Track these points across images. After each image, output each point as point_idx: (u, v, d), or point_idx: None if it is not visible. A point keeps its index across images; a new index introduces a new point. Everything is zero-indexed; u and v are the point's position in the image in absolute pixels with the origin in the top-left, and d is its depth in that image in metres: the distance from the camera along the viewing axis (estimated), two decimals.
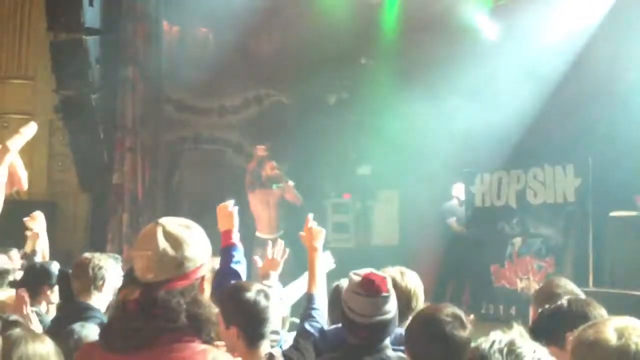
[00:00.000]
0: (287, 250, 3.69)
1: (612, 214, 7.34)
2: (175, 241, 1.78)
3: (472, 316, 8.27)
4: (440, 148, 9.29)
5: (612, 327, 1.57)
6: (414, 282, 3.11)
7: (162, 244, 1.77)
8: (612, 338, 1.54)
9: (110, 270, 3.74)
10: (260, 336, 2.69)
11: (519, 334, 1.57)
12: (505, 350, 1.47)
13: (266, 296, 2.71)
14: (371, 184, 11.14)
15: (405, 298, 2.98)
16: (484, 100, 8.80)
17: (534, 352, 1.49)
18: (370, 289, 2.56)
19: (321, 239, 3.39)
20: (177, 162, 10.26)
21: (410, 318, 2.72)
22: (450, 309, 2.49)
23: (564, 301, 2.52)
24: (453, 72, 9.13)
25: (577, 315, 2.41)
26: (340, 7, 9.64)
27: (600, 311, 2.46)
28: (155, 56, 9.77)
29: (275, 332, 2.90)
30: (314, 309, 3.10)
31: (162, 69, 9.86)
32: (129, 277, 1.97)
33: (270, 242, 3.84)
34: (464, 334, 2.36)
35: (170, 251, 1.78)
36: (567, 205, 8.16)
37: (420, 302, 3.08)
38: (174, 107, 10.31)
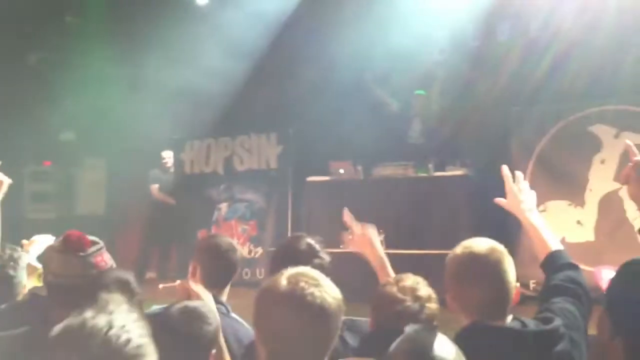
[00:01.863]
0: None
1: (309, 178, 7.93)
2: None
3: (161, 286, 8.34)
4: (149, 114, 9.11)
5: (285, 275, 1.71)
6: None
7: None
8: (283, 284, 1.68)
9: None
10: None
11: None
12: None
13: None
14: (75, 151, 10.55)
15: None
16: (193, 67, 8.79)
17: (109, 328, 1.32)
18: (68, 244, 2.27)
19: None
20: None
21: None
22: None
23: None
24: (163, 36, 8.98)
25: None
26: None
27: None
28: None
29: None
30: None
31: None
32: None
33: None
34: None
35: None
36: (270, 172, 8.63)
37: None
38: None
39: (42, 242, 3.17)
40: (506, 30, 7.87)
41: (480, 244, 2.14)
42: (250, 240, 8.61)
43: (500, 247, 2.14)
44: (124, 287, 2.25)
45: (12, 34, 9.55)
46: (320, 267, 2.59)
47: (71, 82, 9.92)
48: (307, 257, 2.69)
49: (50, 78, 10.12)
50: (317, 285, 1.68)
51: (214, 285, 2.82)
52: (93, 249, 2.30)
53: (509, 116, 7.30)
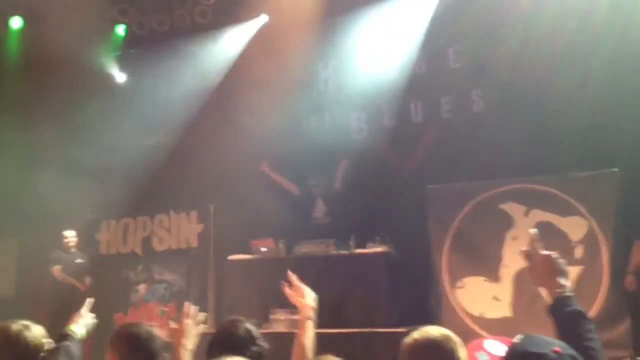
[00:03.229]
0: None
1: (230, 257, 7.85)
2: None
3: None
4: (63, 194, 8.87)
5: None
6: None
7: None
8: None
9: None
10: None
11: None
12: None
13: None
14: None
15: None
16: (110, 146, 8.72)
17: None
18: None
19: None
20: None
21: None
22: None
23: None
24: (79, 114, 8.89)
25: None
26: None
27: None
28: None
29: None
30: None
31: None
32: None
33: None
34: None
35: None
36: (190, 251, 8.49)
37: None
38: None
39: None
40: (420, 111, 8.22)
41: (437, 331, 2.20)
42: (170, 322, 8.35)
43: (455, 338, 2.19)
44: None
45: None
46: (258, 356, 2.54)
47: None
48: (245, 343, 2.64)
49: None
50: None
51: None
52: None
53: (425, 193, 7.52)
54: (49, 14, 8.67)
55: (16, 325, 2.78)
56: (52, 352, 2.71)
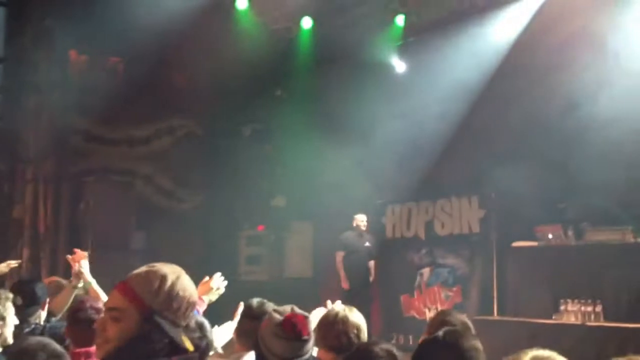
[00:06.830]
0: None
1: (515, 244, 7.60)
2: None
3: None
4: (352, 180, 9.43)
5: (530, 357, 1.63)
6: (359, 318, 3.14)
7: None
8: None
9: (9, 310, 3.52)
10: None
11: None
12: None
13: None
14: (285, 216, 11.12)
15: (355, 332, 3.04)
16: (395, 134, 9.01)
17: None
18: (292, 332, 2.56)
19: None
20: (82, 194, 9.88)
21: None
22: (384, 345, 2.57)
23: (439, 332, 2.54)
24: (364, 105, 9.35)
25: (449, 345, 2.46)
26: (255, 39, 9.70)
27: (474, 342, 2.50)
28: (60, 85, 9.45)
29: None
30: None
31: (69, 98, 9.50)
32: None
33: None
34: None
35: None
36: (472, 236, 8.39)
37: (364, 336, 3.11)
38: (81, 137, 9.98)
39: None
40: None
41: None
42: (455, 307, 8.38)
43: None
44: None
45: (229, 109, 10.54)
46: None
47: (281, 151, 10.63)
48: None
49: (261, 148, 10.95)
50: None
51: None
52: (310, 336, 2.63)
53: None
54: (337, 13, 9.25)
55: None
56: None
